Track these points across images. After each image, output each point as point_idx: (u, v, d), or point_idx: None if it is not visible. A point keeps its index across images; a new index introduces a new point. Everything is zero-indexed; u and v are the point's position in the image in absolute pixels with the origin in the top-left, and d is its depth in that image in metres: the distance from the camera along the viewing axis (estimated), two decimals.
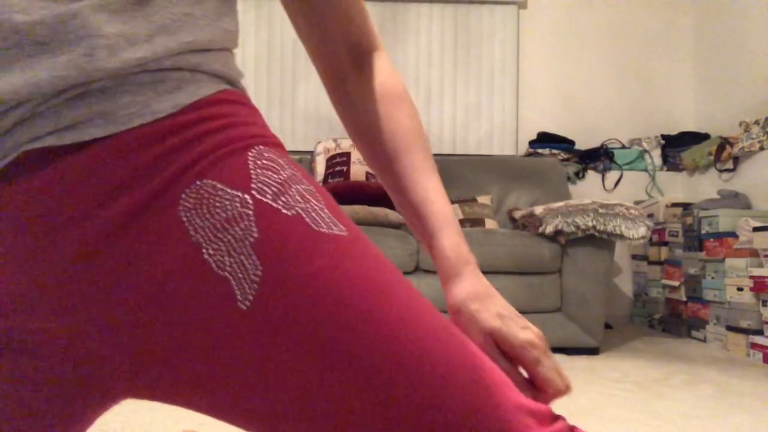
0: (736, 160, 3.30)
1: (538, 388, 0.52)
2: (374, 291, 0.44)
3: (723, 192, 3.24)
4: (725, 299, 2.81)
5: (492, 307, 0.55)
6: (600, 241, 2.59)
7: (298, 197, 0.45)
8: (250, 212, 0.42)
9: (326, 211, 0.46)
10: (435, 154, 3.81)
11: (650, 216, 3.49)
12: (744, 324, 2.68)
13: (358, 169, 3.18)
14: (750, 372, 2.32)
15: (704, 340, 2.99)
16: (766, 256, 2.60)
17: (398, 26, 3.96)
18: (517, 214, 3.01)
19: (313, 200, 0.46)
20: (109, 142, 0.41)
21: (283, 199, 0.44)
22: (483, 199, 3.30)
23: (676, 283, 3.21)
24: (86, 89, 0.40)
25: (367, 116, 0.61)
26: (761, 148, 3.10)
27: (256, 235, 0.42)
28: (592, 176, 3.83)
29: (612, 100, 3.99)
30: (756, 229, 2.62)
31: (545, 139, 3.79)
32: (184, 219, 0.41)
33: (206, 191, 0.42)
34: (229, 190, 0.42)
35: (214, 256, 0.41)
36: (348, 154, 3.26)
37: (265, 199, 0.43)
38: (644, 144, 3.84)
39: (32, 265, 0.41)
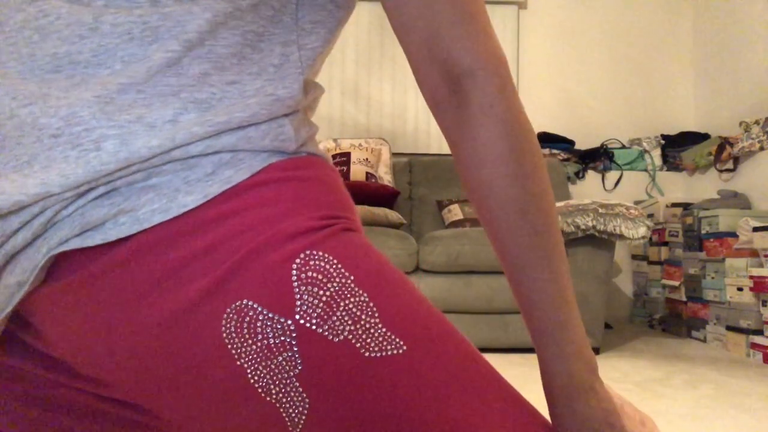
0: (736, 160, 3.30)
1: None
2: (437, 415, 0.41)
3: (723, 192, 3.24)
4: (725, 299, 2.81)
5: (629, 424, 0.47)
6: (600, 241, 2.59)
7: (346, 317, 0.40)
8: (294, 342, 0.39)
9: (380, 326, 0.41)
10: (435, 154, 3.81)
11: (650, 216, 3.49)
12: (744, 324, 2.68)
13: (358, 169, 3.18)
14: (750, 372, 2.32)
15: (704, 340, 2.99)
16: (766, 256, 2.60)
17: None
18: None
19: (364, 317, 0.41)
20: (141, 239, 0.39)
21: (329, 323, 0.40)
22: None
23: (676, 283, 3.21)
24: (112, 187, 0.39)
25: (462, 166, 0.47)
26: (761, 148, 3.10)
27: (300, 366, 0.39)
28: (592, 176, 3.83)
29: (612, 100, 3.99)
30: (756, 229, 2.62)
31: (545, 139, 3.79)
32: (227, 342, 0.39)
33: (248, 313, 0.39)
34: (270, 315, 0.39)
35: (260, 382, 0.39)
36: (348, 154, 3.26)
37: (309, 325, 0.39)
38: (644, 144, 3.84)
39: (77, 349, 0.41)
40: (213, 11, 0.41)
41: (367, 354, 0.40)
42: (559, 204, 2.64)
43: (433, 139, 3.93)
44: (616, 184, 3.80)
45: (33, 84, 0.39)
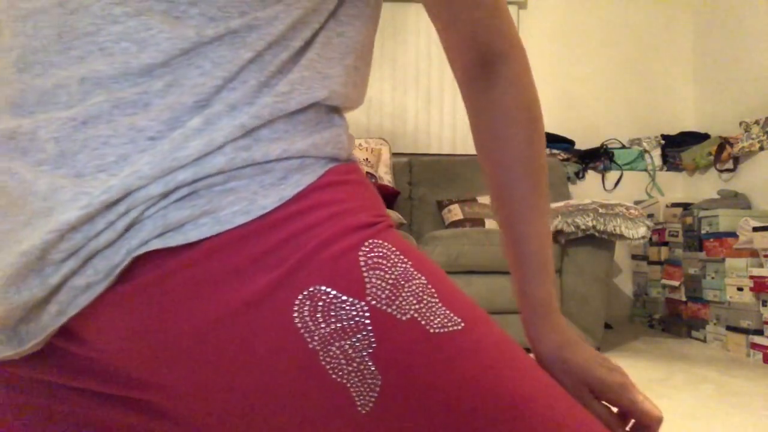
0: (736, 160, 3.30)
1: (640, 423, 0.53)
2: (497, 387, 0.44)
3: (723, 192, 3.24)
4: (725, 299, 2.81)
5: (582, 353, 0.55)
6: (600, 241, 2.59)
7: (411, 298, 0.44)
8: (367, 321, 0.42)
9: (440, 305, 0.45)
10: (435, 154, 3.81)
11: (650, 216, 3.49)
12: (744, 324, 2.68)
13: None
14: (750, 372, 2.32)
15: (704, 340, 2.99)
16: (766, 256, 2.60)
17: (398, 26, 3.95)
18: None
19: (426, 297, 0.45)
20: (215, 240, 0.40)
21: (397, 303, 0.43)
22: (483, 199, 3.30)
23: (676, 283, 3.21)
24: (194, 189, 0.40)
25: (485, 129, 0.57)
26: (761, 148, 3.10)
27: (374, 345, 0.41)
28: (592, 176, 3.83)
29: (612, 100, 3.99)
30: (756, 229, 2.62)
31: (545, 139, 3.79)
32: (300, 326, 0.41)
33: (320, 298, 0.41)
34: (343, 297, 0.42)
35: (331, 363, 0.41)
36: None
37: (380, 306, 0.42)
38: (644, 144, 3.84)
39: (153, 344, 0.41)
40: (293, 16, 0.45)
41: (431, 330, 0.44)
42: (559, 204, 2.64)
43: (433, 139, 3.93)
44: (616, 184, 3.80)
45: (129, 89, 0.40)
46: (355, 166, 0.51)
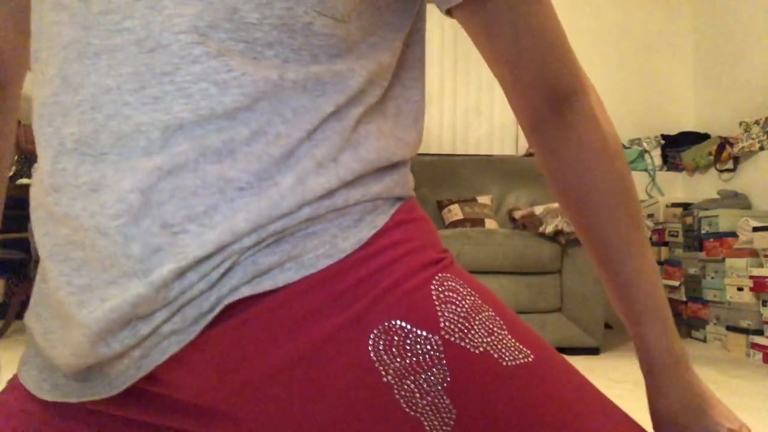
0: (736, 160, 3.30)
1: None
2: (567, 419, 0.44)
3: (723, 192, 3.24)
4: (725, 299, 2.81)
5: (704, 422, 0.50)
6: None
7: (483, 331, 0.44)
8: (442, 356, 0.42)
9: (509, 337, 0.45)
10: (435, 154, 3.81)
11: (650, 216, 3.49)
12: (744, 324, 2.68)
13: None
14: (750, 372, 2.32)
15: (704, 340, 2.99)
16: (766, 256, 2.60)
17: None
18: (517, 214, 3.01)
19: (497, 330, 0.45)
20: (298, 283, 0.42)
21: (470, 336, 0.43)
22: (483, 199, 3.30)
23: (676, 283, 3.21)
24: (281, 236, 0.41)
25: (564, 170, 0.53)
26: (761, 148, 3.10)
27: (449, 378, 0.42)
28: None
29: (612, 100, 3.99)
30: (756, 229, 2.62)
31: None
32: (375, 360, 0.41)
33: (395, 332, 0.42)
34: (418, 332, 0.42)
35: (405, 397, 0.41)
36: None
37: (454, 340, 0.43)
38: (644, 144, 3.84)
39: (230, 383, 0.42)
40: (368, 70, 0.46)
41: (504, 363, 0.44)
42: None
43: (433, 139, 3.93)
44: None
45: (214, 136, 0.40)
46: (415, 202, 0.52)
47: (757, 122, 3.12)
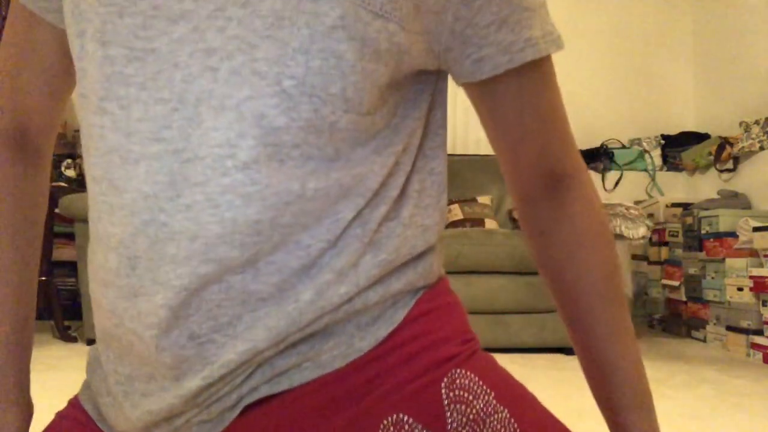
0: (736, 160, 3.30)
1: None
2: None
3: (723, 192, 3.24)
4: (725, 299, 2.81)
5: None
6: None
7: None
8: None
9: None
10: None
11: (650, 216, 3.49)
12: (744, 324, 2.68)
13: None
14: (750, 372, 2.32)
15: (704, 340, 2.99)
16: (766, 256, 2.60)
17: None
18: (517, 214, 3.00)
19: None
20: (313, 381, 0.44)
21: None
22: (483, 199, 3.30)
23: (676, 283, 3.21)
24: (299, 337, 0.43)
25: (556, 250, 0.52)
26: (761, 148, 3.10)
27: None
28: (592, 176, 3.81)
29: (612, 100, 3.99)
30: (756, 229, 2.62)
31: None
32: None
33: (403, 427, 0.43)
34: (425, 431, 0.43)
35: None
36: None
37: None
38: (644, 144, 3.84)
39: None
40: (388, 166, 0.46)
41: None
42: None
43: None
44: (616, 184, 3.80)
45: (237, 250, 0.41)
46: (443, 283, 0.52)
47: (757, 122, 3.12)
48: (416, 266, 0.48)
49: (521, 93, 0.48)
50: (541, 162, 0.51)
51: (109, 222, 0.43)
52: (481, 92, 0.49)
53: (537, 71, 0.49)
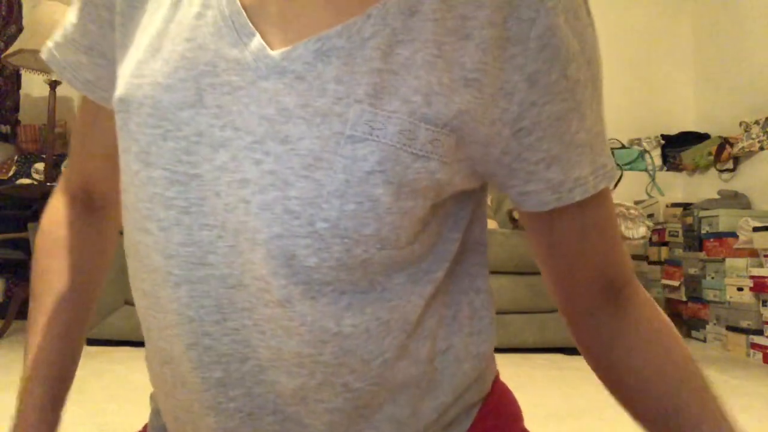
0: (736, 160, 3.30)
1: None
2: None
3: (723, 192, 3.24)
4: (725, 299, 2.81)
5: None
6: None
7: None
8: None
9: None
10: None
11: (650, 216, 3.49)
12: (744, 324, 2.68)
13: None
14: (750, 372, 2.32)
15: (704, 340, 2.99)
16: (766, 256, 2.60)
17: None
18: (517, 214, 3.00)
19: None
20: None
21: None
22: None
23: (676, 283, 3.21)
24: None
25: (630, 356, 0.50)
26: (761, 148, 3.10)
27: None
28: None
29: (612, 100, 3.99)
30: (756, 229, 2.62)
31: None
32: None
33: None
34: None
35: None
36: None
37: None
38: (644, 144, 3.84)
39: None
40: (425, 296, 0.44)
41: None
42: None
43: None
44: (616, 184, 3.79)
45: (284, 376, 0.41)
46: (499, 389, 0.51)
47: (757, 122, 3.12)
48: (471, 391, 0.48)
49: (582, 211, 0.46)
50: (599, 275, 0.50)
51: (158, 337, 0.43)
52: (530, 217, 0.47)
53: (594, 196, 0.46)
